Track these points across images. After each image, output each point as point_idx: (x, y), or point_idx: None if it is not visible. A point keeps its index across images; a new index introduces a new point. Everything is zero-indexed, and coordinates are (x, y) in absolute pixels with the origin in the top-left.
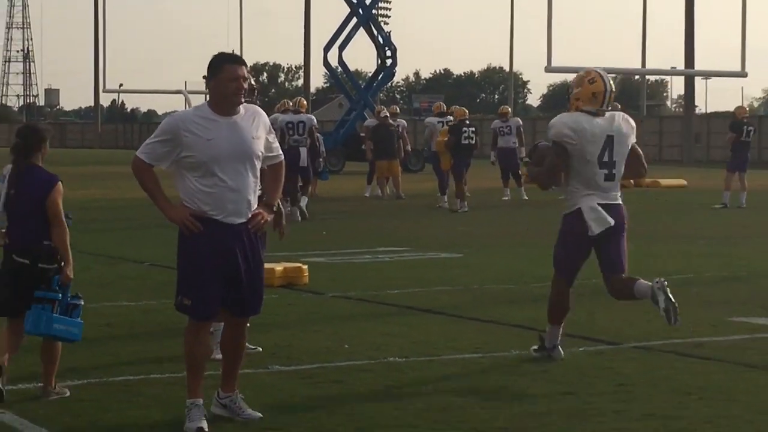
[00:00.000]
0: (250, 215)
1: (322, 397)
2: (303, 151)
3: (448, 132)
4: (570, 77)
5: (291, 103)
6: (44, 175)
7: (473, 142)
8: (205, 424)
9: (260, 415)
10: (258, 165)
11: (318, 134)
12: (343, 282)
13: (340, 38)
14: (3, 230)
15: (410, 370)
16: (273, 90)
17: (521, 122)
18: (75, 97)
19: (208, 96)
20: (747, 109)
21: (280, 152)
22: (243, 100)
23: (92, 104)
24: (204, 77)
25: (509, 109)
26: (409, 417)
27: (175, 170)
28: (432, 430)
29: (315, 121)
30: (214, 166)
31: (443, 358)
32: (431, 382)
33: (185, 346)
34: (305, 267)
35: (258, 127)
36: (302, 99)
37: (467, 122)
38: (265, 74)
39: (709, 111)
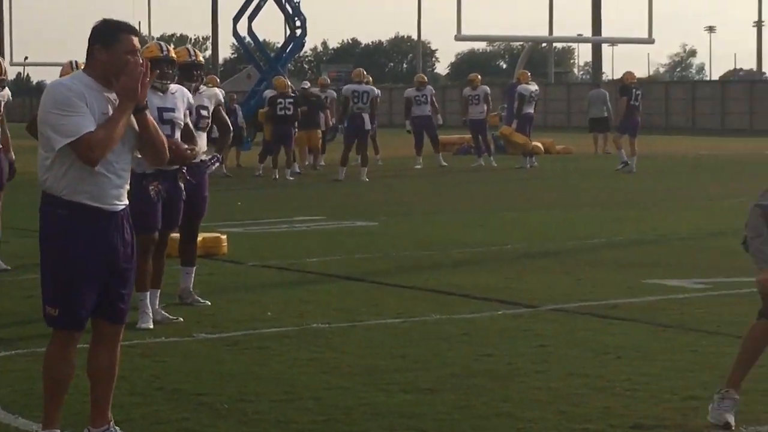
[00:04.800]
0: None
1: (248, 363)
2: (366, 116)
3: (267, 104)
4: (479, 45)
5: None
6: None
7: (290, 113)
8: None
9: None
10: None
11: (236, 105)
12: (261, 251)
13: (249, 8)
14: None
15: (334, 336)
16: None
17: (434, 90)
18: None
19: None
20: (635, 74)
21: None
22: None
23: None
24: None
25: (425, 78)
26: (336, 380)
27: (52, 153)
28: (361, 392)
29: (378, 92)
30: None
31: (366, 323)
32: (355, 346)
33: (46, 363)
34: (224, 237)
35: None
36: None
37: (289, 94)
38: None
39: (615, 77)
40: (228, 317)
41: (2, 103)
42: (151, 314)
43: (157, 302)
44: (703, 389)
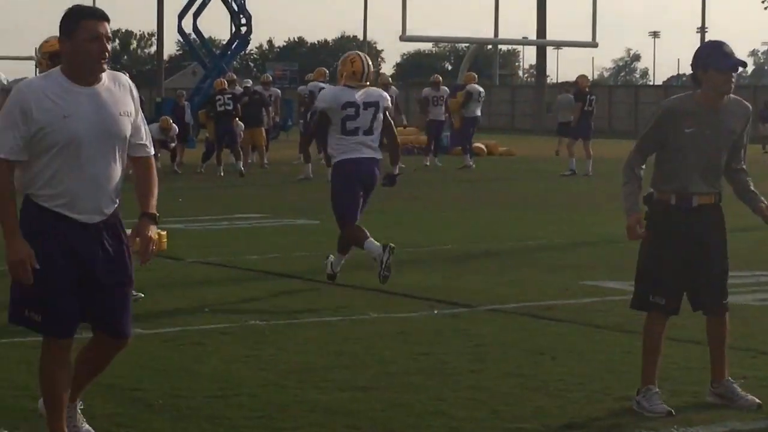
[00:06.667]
0: (110, 214)
1: (184, 359)
2: None
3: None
4: (425, 46)
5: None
6: None
7: (230, 108)
8: None
9: None
10: (125, 150)
11: (185, 102)
12: (201, 248)
13: (194, 5)
14: None
15: (271, 333)
16: (125, 57)
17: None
18: None
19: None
20: (589, 78)
21: (150, 142)
22: (106, 65)
23: None
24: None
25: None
26: (273, 377)
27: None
28: (297, 390)
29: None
30: (72, 149)
31: (303, 321)
32: (292, 344)
33: (44, 372)
34: (164, 233)
35: (127, 101)
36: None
37: (227, 90)
38: (117, 41)
39: (560, 81)
40: (165, 313)
41: None
42: None
43: None
44: (636, 390)
